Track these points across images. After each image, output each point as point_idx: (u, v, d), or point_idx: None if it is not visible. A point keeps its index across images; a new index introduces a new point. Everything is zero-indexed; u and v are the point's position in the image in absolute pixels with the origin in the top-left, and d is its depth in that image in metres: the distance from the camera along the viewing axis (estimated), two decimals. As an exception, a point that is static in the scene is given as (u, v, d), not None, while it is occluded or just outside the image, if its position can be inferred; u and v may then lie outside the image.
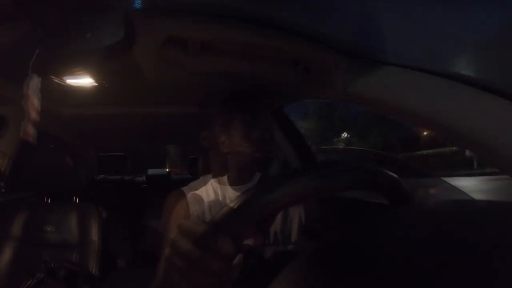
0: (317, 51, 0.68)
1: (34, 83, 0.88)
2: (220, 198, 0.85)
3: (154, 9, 0.59)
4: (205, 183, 0.90)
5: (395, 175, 0.43)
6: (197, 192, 0.88)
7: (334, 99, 0.85)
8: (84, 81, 0.98)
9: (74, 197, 1.49)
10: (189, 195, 0.87)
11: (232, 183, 0.88)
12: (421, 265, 0.19)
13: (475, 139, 0.47)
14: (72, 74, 0.90)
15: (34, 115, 0.90)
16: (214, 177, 0.91)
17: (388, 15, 0.50)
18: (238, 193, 0.36)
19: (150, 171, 3.00)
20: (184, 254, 0.31)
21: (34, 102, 0.89)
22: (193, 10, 0.58)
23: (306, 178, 0.35)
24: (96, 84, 1.00)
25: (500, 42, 0.51)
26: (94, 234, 1.28)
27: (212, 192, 0.87)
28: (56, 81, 0.93)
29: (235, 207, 0.33)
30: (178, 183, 2.65)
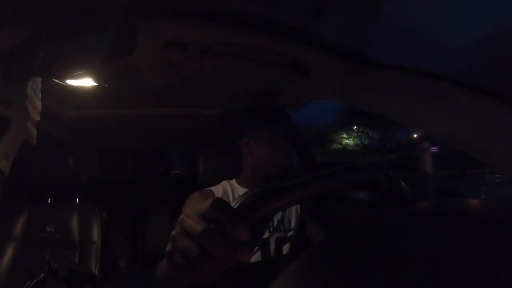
0: (316, 54, 0.69)
1: (36, 85, 0.88)
2: (230, 196, 0.90)
3: (155, 12, 0.60)
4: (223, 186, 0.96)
5: (394, 175, 0.43)
6: (211, 189, 0.93)
7: (333, 100, 0.86)
8: (85, 83, 0.98)
9: (75, 198, 1.50)
10: (203, 193, 0.91)
11: (242, 185, 0.94)
12: (421, 265, 0.19)
13: (470, 139, 0.48)
14: (73, 76, 0.91)
15: (36, 116, 0.91)
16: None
17: (385, 18, 0.51)
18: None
19: (151, 171, 3.00)
20: (183, 251, 0.30)
21: (36, 104, 0.90)
22: (194, 14, 0.59)
23: (307, 178, 0.36)
24: (97, 86, 1.00)
25: (495, 44, 0.51)
26: (95, 234, 1.28)
27: (221, 191, 0.92)
28: (58, 83, 0.93)
29: (256, 193, 0.33)
30: (178, 183, 2.64)
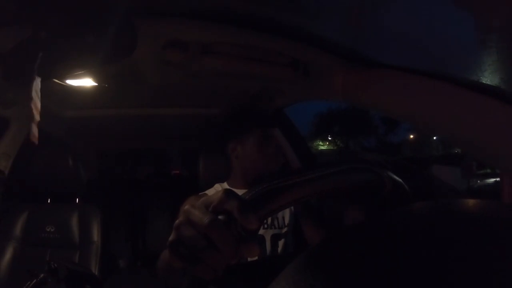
0: (316, 54, 0.69)
1: (36, 85, 0.88)
2: None
3: (156, 12, 0.60)
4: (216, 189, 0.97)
5: (397, 176, 0.43)
6: (205, 192, 0.93)
7: (333, 100, 0.86)
8: (85, 83, 0.98)
9: (75, 198, 1.50)
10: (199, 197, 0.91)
11: (234, 187, 0.94)
12: (422, 266, 0.19)
13: (470, 139, 0.48)
14: (73, 76, 0.91)
15: (36, 116, 0.91)
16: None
17: (385, 18, 0.51)
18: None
19: (151, 171, 3.00)
20: (188, 241, 0.29)
21: (36, 104, 0.90)
22: (194, 14, 0.59)
23: (318, 175, 0.35)
24: (97, 86, 1.00)
25: (497, 44, 0.51)
26: (95, 234, 1.28)
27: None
28: (58, 83, 0.93)
29: (268, 187, 0.32)
30: (178, 183, 2.64)
